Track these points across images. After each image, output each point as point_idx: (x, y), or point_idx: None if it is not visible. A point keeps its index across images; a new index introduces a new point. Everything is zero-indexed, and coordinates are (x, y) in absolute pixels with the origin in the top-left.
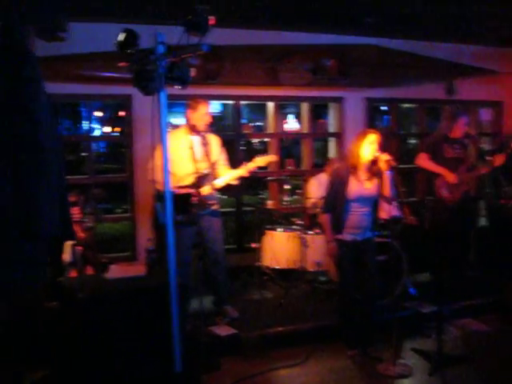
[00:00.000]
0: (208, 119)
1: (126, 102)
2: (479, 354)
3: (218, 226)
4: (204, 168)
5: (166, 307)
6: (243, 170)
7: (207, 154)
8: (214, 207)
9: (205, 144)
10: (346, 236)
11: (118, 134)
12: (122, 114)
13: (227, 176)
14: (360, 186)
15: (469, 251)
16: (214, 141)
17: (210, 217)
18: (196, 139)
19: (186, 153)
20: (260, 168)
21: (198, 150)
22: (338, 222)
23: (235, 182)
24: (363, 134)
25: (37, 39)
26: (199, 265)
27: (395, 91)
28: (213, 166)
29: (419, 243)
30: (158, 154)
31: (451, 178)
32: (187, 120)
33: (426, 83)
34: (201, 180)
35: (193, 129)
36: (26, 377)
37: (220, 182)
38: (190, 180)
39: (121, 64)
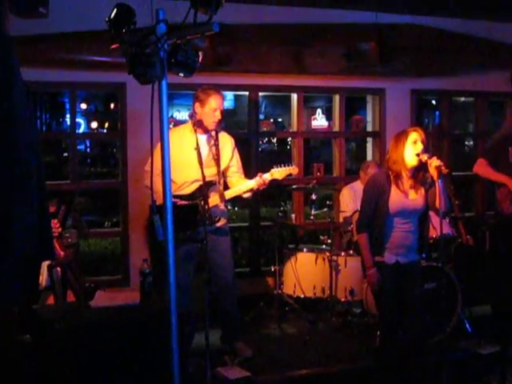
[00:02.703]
0: (218, 116)
1: (118, 92)
2: None
3: (226, 247)
4: (211, 175)
5: (163, 343)
6: (255, 183)
7: (216, 158)
8: (221, 223)
9: (214, 145)
10: (387, 258)
11: (107, 130)
12: (112, 106)
13: (236, 188)
14: (403, 196)
15: None
16: (227, 142)
17: (215, 235)
18: (203, 139)
19: (191, 155)
20: (276, 181)
21: (205, 153)
22: (377, 241)
23: (246, 196)
24: (404, 134)
25: (11, 16)
26: (206, 292)
27: (448, 82)
28: (223, 172)
29: (477, 268)
30: (157, 155)
31: None
32: (195, 115)
33: (487, 72)
34: (205, 189)
35: (200, 126)
36: None
37: (229, 194)
38: (191, 188)
39: (113, 46)
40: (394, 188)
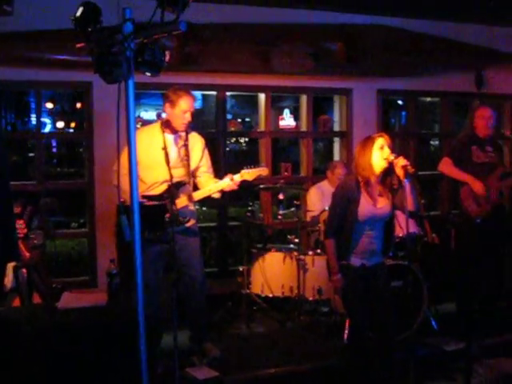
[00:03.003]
0: (188, 118)
1: (84, 92)
2: None
3: (195, 246)
4: (180, 175)
5: (131, 344)
6: (225, 184)
7: (186, 159)
8: (190, 224)
9: (184, 145)
10: (353, 261)
11: (74, 130)
12: (79, 105)
13: (206, 189)
14: (372, 205)
15: (503, 277)
16: (197, 142)
17: (184, 236)
18: (173, 139)
19: (159, 155)
20: (246, 182)
21: (175, 153)
22: (344, 246)
23: (216, 196)
24: (370, 140)
25: None
26: (173, 292)
27: (414, 82)
28: (192, 173)
29: (443, 266)
30: (125, 155)
31: (477, 186)
32: (164, 115)
33: (452, 73)
34: (174, 190)
35: (168, 126)
36: None
37: (198, 195)
38: (161, 189)
39: (79, 45)
40: (363, 196)
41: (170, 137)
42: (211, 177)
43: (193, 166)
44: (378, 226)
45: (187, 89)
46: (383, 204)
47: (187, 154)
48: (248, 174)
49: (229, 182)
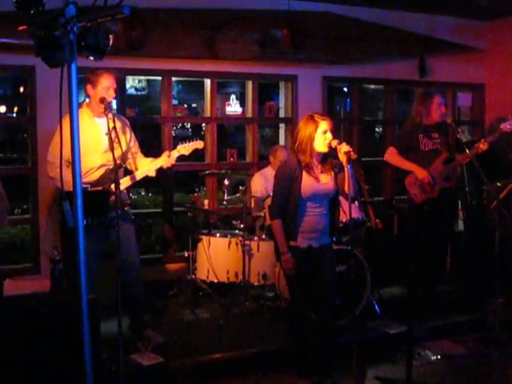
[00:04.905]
0: (112, 94)
1: (27, 76)
2: (455, 382)
3: (131, 231)
4: (116, 158)
5: (75, 331)
6: (163, 160)
7: (117, 141)
8: (129, 204)
9: (114, 128)
10: (300, 242)
11: (17, 114)
12: (22, 90)
13: (145, 168)
14: (315, 181)
15: (445, 261)
16: (124, 123)
17: (121, 220)
18: (102, 123)
19: (92, 140)
20: (184, 157)
21: (106, 137)
22: (290, 226)
23: (152, 174)
24: (313, 123)
25: None
26: (118, 279)
27: (359, 69)
28: (124, 155)
29: (386, 251)
30: (55, 145)
31: (422, 175)
32: (89, 98)
33: (396, 60)
34: (111, 175)
35: (96, 109)
36: None
37: (139, 175)
38: (98, 174)
39: (21, 28)
40: (305, 174)
41: (100, 121)
42: (142, 156)
43: (124, 148)
44: (324, 203)
45: (108, 69)
46: (326, 180)
47: (118, 137)
48: (184, 148)
49: (166, 159)
